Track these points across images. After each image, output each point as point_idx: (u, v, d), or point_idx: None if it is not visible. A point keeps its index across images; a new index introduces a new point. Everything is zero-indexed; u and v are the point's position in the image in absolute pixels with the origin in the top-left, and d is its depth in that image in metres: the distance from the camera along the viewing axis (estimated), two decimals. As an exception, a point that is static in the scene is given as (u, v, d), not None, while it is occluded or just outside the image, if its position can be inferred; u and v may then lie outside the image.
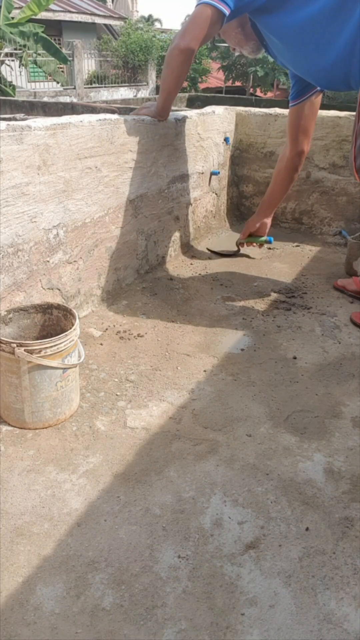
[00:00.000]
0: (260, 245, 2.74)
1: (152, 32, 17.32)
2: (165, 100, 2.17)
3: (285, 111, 3.00)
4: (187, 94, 11.71)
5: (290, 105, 2.33)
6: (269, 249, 2.86)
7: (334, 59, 1.83)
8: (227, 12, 1.82)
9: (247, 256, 2.78)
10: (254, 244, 2.73)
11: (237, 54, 2.30)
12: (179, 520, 1.20)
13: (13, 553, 1.12)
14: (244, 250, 2.80)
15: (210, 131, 2.78)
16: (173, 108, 2.30)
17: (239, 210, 3.28)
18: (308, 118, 2.32)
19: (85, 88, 14.90)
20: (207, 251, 2.80)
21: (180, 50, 1.91)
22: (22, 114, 5.63)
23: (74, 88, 14.52)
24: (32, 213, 1.70)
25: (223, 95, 14.74)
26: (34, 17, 10.60)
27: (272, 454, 1.41)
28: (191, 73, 17.52)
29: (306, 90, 2.24)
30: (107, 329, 1.99)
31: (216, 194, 3.03)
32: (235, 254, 2.78)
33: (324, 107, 2.57)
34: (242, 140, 3.12)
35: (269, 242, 2.70)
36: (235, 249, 2.80)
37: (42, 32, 10.38)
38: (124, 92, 15.81)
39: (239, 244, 2.76)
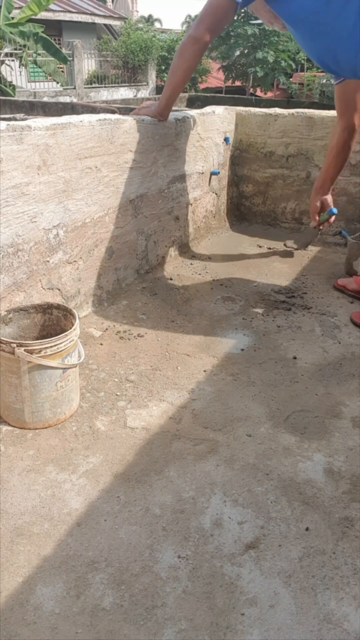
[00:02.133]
0: (329, 222, 2.69)
1: (152, 32, 17.31)
2: (170, 96, 2.17)
3: (285, 111, 3.00)
4: (187, 94, 11.70)
5: (335, 83, 2.29)
6: (287, 247, 2.91)
7: (342, 48, 1.83)
8: (239, 1, 1.85)
9: (291, 252, 2.86)
10: (327, 223, 2.70)
11: (255, 27, 2.31)
12: (179, 520, 1.20)
13: (13, 553, 1.12)
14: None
15: (210, 131, 2.78)
16: (173, 108, 2.30)
17: (239, 210, 3.28)
18: (354, 92, 2.26)
19: (85, 88, 14.90)
20: (206, 253, 2.80)
21: (195, 39, 1.94)
22: (22, 114, 5.62)
23: (74, 88, 14.52)
24: (32, 213, 1.70)
25: (223, 95, 14.73)
26: (34, 17, 10.60)
27: (272, 454, 1.41)
28: (191, 73, 17.46)
29: None
30: (107, 329, 1.99)
31: (216, 194, 3.03)
32: (309, 243, 2.87)
33: (324, 107, 2.57)
34: (242, 140, 3.12)
35: (334, 213, 2.64)
36: (309, 236, 2.86)
37: (42, 32, 10.37)
38: (124, 92, 15.81)
39: (314, 227, 2.74)
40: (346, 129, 2.36)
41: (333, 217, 2.63)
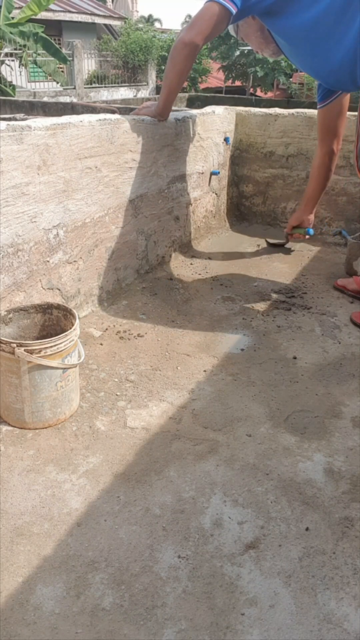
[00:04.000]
0: (302, 236, 2.81)
1: (152, 32, 17.30)
2: (166, 98, 2.17)
3: (285, 111, 3.00)
4: (187, 94, 11.70)
5: (318, 107, 2.34)
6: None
7: (341, 60, 1.84)
8: (233, 10, 1.85)
9: (289, 250, 2.90)
10: (298, 235, 2.81)
11: (259, 55, 2.38)
12: (179, 520, 1.20)
13: (13, 553, 1.12)
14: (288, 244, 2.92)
15: (210, 131, 2.78)
16: (173, 108, 2.30)
17: (239, 210, 3.28)
18: (335, 119, 2.34)
19: (85, 88, 14.89)
20: (205, 253, 2.80)
21: (185, 43, 1.93)
22: (22, 114, 5.62)
23: (74, 88, 14.51)
24: (32, 213, 1.70)
25: (223, 95, 14.73)
26: (34, 17, 10.60)
27: (272, 454, 1.41)
28: (191, 73, 17.48)
29: (332, 92, 2.24)
30: (107, 329, 1.99)
31: (216, 194, 3.03)
32: (284, 245, 2.91)
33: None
34: (242, 140, 3.12)
35: (310, 234, 2.76)
36: (284, 240, 2.91)
37: (42, 32, 10.37)
38: (124, 92, 15.80)
39: (286, 236, 2.87)
40: (327, 154, 2.46)
41: (307, 236, 2.76)
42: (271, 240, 2.94)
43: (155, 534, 1.17)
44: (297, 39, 1.92)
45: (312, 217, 2.72)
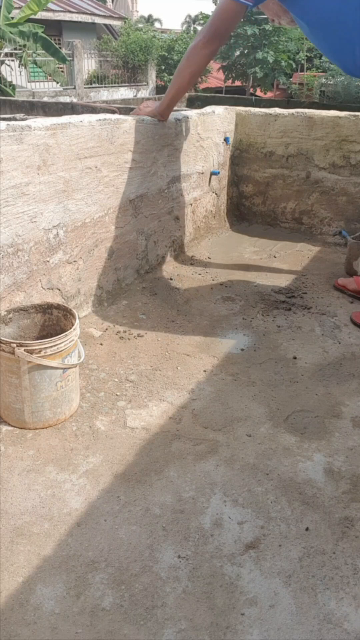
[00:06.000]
0: None
1: (152, 32, 17.30)
2: (173, 97, 2.16)
3: (285, 111, 3.00)
4: (187, 94, 11.70)
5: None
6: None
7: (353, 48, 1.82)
8: (250, 4, 1.86)
9: None
10: None
11: (255, 28, 2.30)
12: (179, 520, 1.20)
13: (13, 553, 1.12)
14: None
15: (210, 131, 2.78)
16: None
17: (239, 210, 3.28)
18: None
19: (85, 88, 14.89)
20: (205, 253, 2.80)
21: (205, 43, 1.94)
22: (22, 114, 5.62)
23: (74, 88, 14.51)
24: (32, 213, 1.70)
25: (223, 95, 14.73)
26: (33, 16, 10.61)
27: (272, 454, 1.41)
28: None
29: None
30: (107, 329, 1.99)
31: (216, 194, 3.03)
32: None
33: (324, 107, 2.57)
34: (242, 140, 3.12)
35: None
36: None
37: (42, 32, 10.38)
38: (124, 92, 15.80)
39: None
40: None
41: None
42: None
43: (155, 534, 1.17)
44: (314, 21, 1.88)
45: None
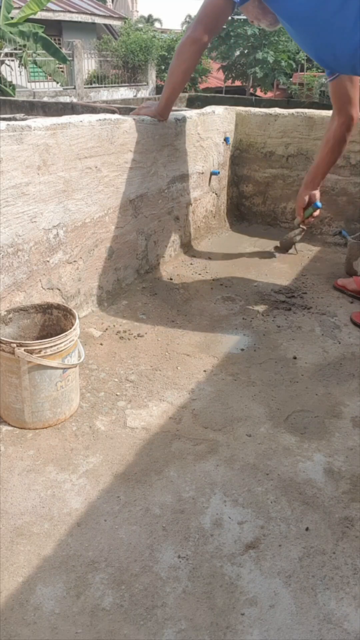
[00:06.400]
0: (313, 216, 2.65)
1: (152, 32, 17.30)
2: (169, 96, 2.17)
3: (285, 111, 3.00)
4: (187, 94, 11.70)
5: (328, 80, 2.26)
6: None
7: (342, 46, 1.83)
8: (237, 0, 1.86)
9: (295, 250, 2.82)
10: (311, 218, 2.65)
11: (255, 28, 2.32)
12: (179, 520, 1.20)
13: (13, 553, 1.12)
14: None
15: (210, 131, 2.78)
16: (173, 108, 2.30)
17: (239, 210, 3.28)
18: (349, 87, 2.25)
19: (85, 88, 14.90)
20: (205, 253, 2.80)
21: (193, 40, 1.95)
22: (22, 114, 5.63)
23: (74, 88, 14.52)
24: (32, 213, 1.70)
25: (223, 95, 14.73)
26: (33, 16, 10.61)
27: (272, 454, 1.41)
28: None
29: None
30: (107, 329, 1.99)
31: (216, 194, 3.03)
32: (296, 241, 2.77)
33: (324, 107, 2.56)
34: (242, 140, 3.12)
35: (318, 207, 2.61)
36: (289, 238, 2.77)
37: (42, 32, 10.39)
38: (124, 92, 15.80)
39: (299, 224, 2.70)
40: (344, 123, 2.32)
41: (317, 211, 2.60)
42: (277, 250, 2.82)
43: (155, 534, 1.17)
44: (295, 19, 1.90)
45: (317, 193, 2.57)
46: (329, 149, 2.42)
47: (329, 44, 1.87)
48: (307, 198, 2.57)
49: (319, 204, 2.58)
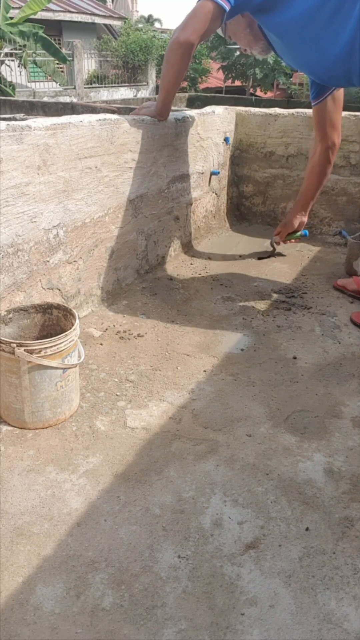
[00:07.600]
0: (298, 240, 2.74)
1: (152, 32, 17.31)
2: (165, 98, 2.17)
3: (285, 111, 3.00)
4: (187, 94, 11.70)
5: (313, 105, 2.32)
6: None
7: (336, 56, 1.83)
8: (227, 7, 1.83)
9: (281, 254, 2.80)
10: (292, 240, 2.74)
11: (249, 54, 2.31)
12: (179, 520, 1.20)
13: (13, 553, 1.12)
14: (279, 248, 2.82)
15: (210, 131, 2.78)
16: (173, 108, 2.30)
17: (239, 210, 3.28)
18: (333, 112, 2.29)
19: (85, 88, 14.90)
20: (206, 253, 2.80)
21: (180, 43, 1.91)
22: (22, 114, 5.63)
23: (74, 88, 14.52)
24: (32, 213, 1.70)
25: (223, 95, 14.73)
26: (33, 16, 10.61)
27: (272, 454, 1.41)
28: (191, 73, 17.51)
29: (326, 88, 2.22)
30: (107, 329, 1.99)
31: (216, 194, 3.03)
32: (272, 254, 2.79)
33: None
34: (242, 140, 3.12)
35: (305, 235, 2.72)
36: (271, 249, 2.81)
37: (42, 32, 10.39)
38: (124, 92, 15.81)
39: (274, 243, 2.75)
40: (328, 149, 2.39)
41: (301, 238, 2.70)
42: (261, 255, 2.81)
43: (155, 534, 1.17)
44: (291, 35, 1.90)
45: (306, 218, 2.66)
46: (315, 176, 2.50)
47: (322, 57, 1.87)
48: (297, 223, 2.65)
49: (306, 232, 2.71)
